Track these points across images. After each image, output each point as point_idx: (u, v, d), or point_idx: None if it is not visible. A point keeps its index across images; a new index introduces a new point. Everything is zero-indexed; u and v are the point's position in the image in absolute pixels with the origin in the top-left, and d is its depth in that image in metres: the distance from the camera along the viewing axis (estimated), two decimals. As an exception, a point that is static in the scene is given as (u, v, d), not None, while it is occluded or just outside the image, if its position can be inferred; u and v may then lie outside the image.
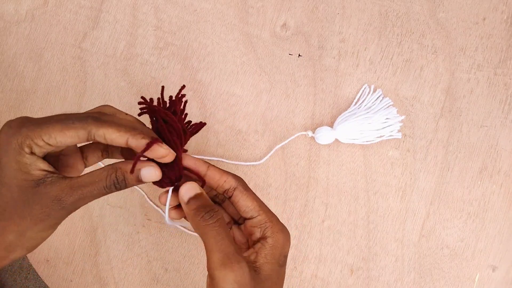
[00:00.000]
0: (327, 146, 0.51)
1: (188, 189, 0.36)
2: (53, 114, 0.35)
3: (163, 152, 0.34)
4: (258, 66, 0.52)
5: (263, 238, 0.36)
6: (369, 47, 0.52)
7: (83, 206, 0.36)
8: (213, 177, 0.37)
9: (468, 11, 0.52)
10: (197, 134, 0.41)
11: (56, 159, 0.38)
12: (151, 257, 0.52)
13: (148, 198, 0.52)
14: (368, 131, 0.50)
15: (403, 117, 0.51)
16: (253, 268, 0.35)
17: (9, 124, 0.33)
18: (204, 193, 0.36)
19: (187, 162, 0.38)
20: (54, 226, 0.35)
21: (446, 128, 0.51)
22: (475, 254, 0.51)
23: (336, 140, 0.50)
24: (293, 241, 0.51)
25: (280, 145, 0.51)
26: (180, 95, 0.39)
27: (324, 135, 0.50)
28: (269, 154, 0.51)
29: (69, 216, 0.49)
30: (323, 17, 0.52)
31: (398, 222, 0.51)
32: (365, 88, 0.52)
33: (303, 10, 0.52)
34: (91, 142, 0.37)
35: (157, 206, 0.52)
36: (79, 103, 0.53)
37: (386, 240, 0.51)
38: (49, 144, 0.33)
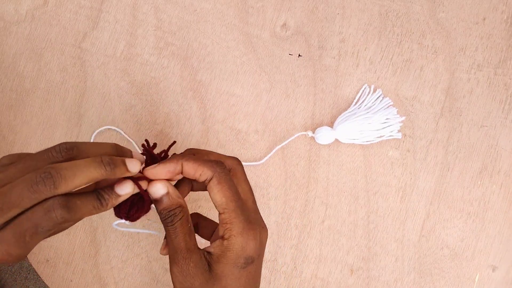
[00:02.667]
0: (327, 146, 0.51)
1: (154, 192, 0.36)
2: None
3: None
4: (258, 66, 0.52)
5: (222, 237, 0.36)
6: (369, 47, 0.52)
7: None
8: (189, 173, 0.36)
9: (468, 11, 0.52)
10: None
11: None
12: (151, 257, 0.52)
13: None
14: (368, 131, 0.50)
15: (403, 117, 0.51)
16: (208, 263, 0.36)
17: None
18: (171, 190, 0.36)
19: (155, 174, 0.37)
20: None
21: (446, 128, 0.51)
22: (475, 254, 0.51)
23: (336, 140, 0.50)
24: (293, 241, 0.51)
25: (280, 145, 0.51)
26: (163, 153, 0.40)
27: (324, 135, 0.50)
28: (270, 155, 0.51)
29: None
30: (323, 17, 0.52)
31: (398, 222, 0.51)
32: (365, 88, 0.52)
33: (303, 10, 0.52)
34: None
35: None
36: (79, 103, 0.53)
37: (386, 240, 0.51)
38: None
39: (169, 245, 0.36)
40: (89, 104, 0.52)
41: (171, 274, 0.36)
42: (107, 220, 0.52)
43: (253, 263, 0.36)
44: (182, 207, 0.36)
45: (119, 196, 0.35)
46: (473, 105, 0.51)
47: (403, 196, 0.51)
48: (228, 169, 0.37)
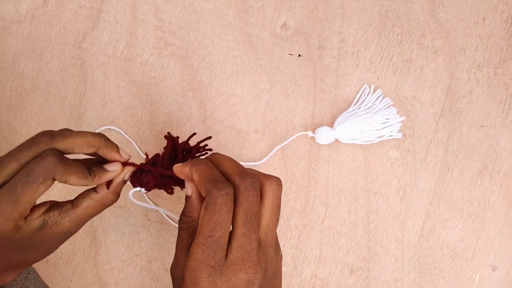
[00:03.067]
0: (327, 146, 0.51)
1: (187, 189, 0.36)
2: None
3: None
4: (258, 66, 0.52)
5: None
6: (369, 47, 0.52)
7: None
8: (195, 181, 0.37)
9: (468, 11, 0.52)
10: (197, 134, 0.42)
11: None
12: (151, 257, 0.52)
13: (148, 198, 0.52)
14: (368, 131, 0.50)
15: (403, 117, 0.51)
16: None
17: None
18: (193, 196, 0.36)
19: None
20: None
21: (446, 128, 0.51)
22: (475, 254, 0.51)
23: (336, 140, 0.50)
24: (293, 241, 0.51)
25: (280, 145, 0.51)
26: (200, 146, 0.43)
27: (324, 135, 0.50)
28: (270, 155, 0.51)
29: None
30: (323, 17, 0.52)
31: (398, 222, 0.51)
32: (365, 88, 0.52)
33: (303, 10, 0.52)
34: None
35: (157, 206, 0.52)
36: (79, 103, 0.53)
37: (386, 240, 0.51)
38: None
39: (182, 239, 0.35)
40: (89, 104, 0.52)
41: (192, 259, 0.33)
42: (107, 220, 0.52)
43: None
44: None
45: (107, 171, 0.36)
46: (473, 105, 0.51)
47: (403, 196, 0.51)
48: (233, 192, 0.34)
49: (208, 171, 0.34)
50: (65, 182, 0.34)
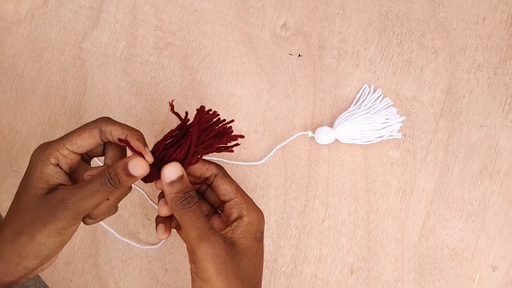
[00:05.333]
0: (327, 146, 0.51)
1: (171, 172, 0.38)
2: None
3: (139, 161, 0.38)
4: (258, 66, 0.52)
5: (239, 217, 0.40)
6: (369, 47, 0.52)
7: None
8: (197, 166, 0.41)
9: (468, 11, 0.52)
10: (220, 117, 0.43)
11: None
12: (151, 257, 0.52)
13: (148, 197, 0.52)
14: (368, 131, 0.50)
15: (403, 117, 0.51)
16: (230, 242, 0.38)
17: (41, 145, 0.38)
18: (185, 175, 0.38)
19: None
20: (61, 232, 0.37)
21: (446, 128, 0.51)
22: (475, 254, 0.51)
23: (336, 140, 0.50)
24: (293, 241, 0.51)
25: (280, 145, 0.51)
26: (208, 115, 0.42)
27: (324, 135, 0.50)
28: (269, 155, 0.51)
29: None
30: (323, 17, 0.52)
31: (398, 222, 0.51)
32: (365, 88, 0.52)
33: (303, 10, 0.52)
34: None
35: (157, 205, 0.52)
36: (79, 103, 0.53)
37: (386, 240, 0.51)
38: (73, 151, 0.37)
39: (190, 227, 0.37)
40: (89, 104, 0.52)
41: (197, 253, 0.36)
42: (107, 220, 0.52)
43: (262, 239, 0.40)
44: (194, 191, 0.38)
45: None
46: (473, 105, 0.51)
47: (403, 196, 0.51)
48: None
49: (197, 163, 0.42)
50: (110, 134, 0.38)
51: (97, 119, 0.38)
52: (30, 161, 0.37)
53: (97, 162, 0.51)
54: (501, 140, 0.51)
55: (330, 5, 0.52)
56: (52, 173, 0.37)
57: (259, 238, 0.40)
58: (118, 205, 0.52)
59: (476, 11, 0.52)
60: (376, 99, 0.51)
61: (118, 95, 0.52)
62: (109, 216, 0.41)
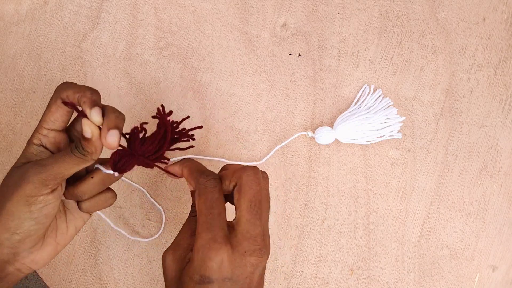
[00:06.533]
0: (327, 146, 0.51)
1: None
2: None
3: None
4: (258, 66, 0.52)
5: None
6: (369, 47, 0.52)
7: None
8: (184, 176, 0.40)
9: (468, 11, 0.52)
10: (197, 134, 0.41)
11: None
12: (151, 257, 0.52)
13: (149, 195, 0.52)
14: (368, 131, 0.50)
15: (403, 117, 0.51)
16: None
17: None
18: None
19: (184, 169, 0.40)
20: (30, 201, 0.35)
21: (446, 128, 0.51)
22: (475, 254, 0.51)
23: (336, 140, 0.50)
24: (293, 241, 0.51)
25: (280, 145, 0.51)
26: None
27: (324, 135, 0.50)
28: (269, 155, 0.51)
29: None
30: (323, 17, 0.52)
31: (398, 222, 0.51)
32: (365, 88, 0.52)
33: (303, 10, 0.52)
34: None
35: (158, 204, 0.52)
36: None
37: (386, 240, 0.51)
38: (51, 129, 0.36)
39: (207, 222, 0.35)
40: (89, 104, 0.52)
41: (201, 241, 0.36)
42: (114, 222, 0.52)
43: (211, 284, 0.33)
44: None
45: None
46: (473, 105, 0.51)
47: (403, 196, 0.51)
48: (234, 182, 0.37)
49: (195, 165, 0.39)
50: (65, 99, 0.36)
51: (56, 88, 0.36)
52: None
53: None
54: (501, 140, 0.51)
55: (330, 5, 0.52)
56: (36, 152, 0.36)
57: (197, 280, 0.33)
58: (119, 205, 0.52)
59: (476, 11, 0.52)
60: (376, 99, 0.51)
61: (118, 95, 0.52)
62: (105, 206, 0.40)
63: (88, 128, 0.34)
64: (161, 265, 0.51)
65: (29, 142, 0.37)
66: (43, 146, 0.37)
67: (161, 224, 0.52)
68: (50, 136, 0.37)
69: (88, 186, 0.37)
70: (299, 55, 0.52)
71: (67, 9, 0.53)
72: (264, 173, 0.38)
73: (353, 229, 0.51)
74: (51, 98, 0.36)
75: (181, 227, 0.38)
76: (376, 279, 0.51)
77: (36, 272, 0.52)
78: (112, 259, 0.52)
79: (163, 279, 0.51)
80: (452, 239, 0.51)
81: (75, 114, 0.37)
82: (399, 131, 0.51)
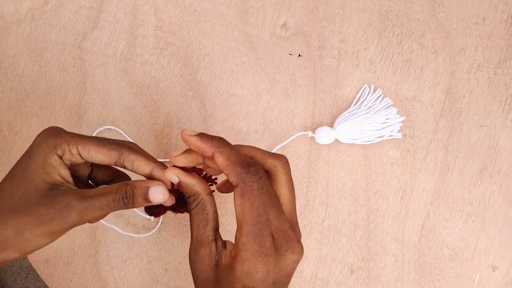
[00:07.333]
0: (327, 146, 0.51)
1: (169, 178, 0.35)
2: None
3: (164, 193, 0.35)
4: (258, 66, 0.52)
5: (232, 252, 0.34)
6: (369, 47, 0.52)
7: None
8: (218, 165, 0.34)
9: (468, 11, 0.52)
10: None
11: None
12: (151, 257, 0.52)
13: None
14: (368, 131, 0.50)
15: (403, 117, 0.51)
16: (217, 259, 0.35)
17: (52, 128, 0.36)
18: (182, 178, 0.35)
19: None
20: (53, 235, 0.35)
21: (446, 128, 0.51)
22: (475, 254, 0.51)
23: (336, 140, 0.50)
24: (293, 241, 0.51)
25: (280, 145, 0.51)
26: None
27: (324, 135, 0.50)
28: (269, 154, 0.51)
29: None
30: (323, 17, 0.52)
31: (398, 222, 0.51)
32: (365, 88, 0.52)
33: (303, 10, 0.52)
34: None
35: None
36: (79, 103, 0.53)
37: (386, 240, 0.51)
38: (81, 156, 0.35)
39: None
40: (89, 104, 0.52)
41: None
42: (107, 220, 0.52)
43: None
44: (197, 195, 0.35)
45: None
46: (473, 105, 0.51)
47: (403, 196, 0.51)
48: (265, 173, 0.33)
49: (235, 155, 0.33)
50: (131, 163, 0.36)
51: (123, 143, 0.36)
52: (34, 141, 0.35)
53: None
54: (501, 140, 0.51)
55: (330, 5, 0.52)
56: (55, 164, 0.34)
57: None
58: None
59: (476, 11, 0.52)
60: (376, 99, 0.51)
61: (118, 95, 0.52)
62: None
63: (162, 196, 0.35)
64: (161, 265, 0.51)
65: (52, 148, 0.34)
66: (62, 159, 0.35)
67: (162, 224, 0.51)
68: (73, 158, 0.35)
69: (101, 218, 0.37)
70: (299, 55, 0.52)
71: (67, 9, 0.53)
72: (286, 158, 0.36)
73: (353, 229, 0.51)
74: (110, 144, 0.35)
75: (190, 222, 0.35)
76: (376, 279, 0.51)
77: (36, 272, 0.52)
78: (112, 259, 0.52)
79: (163, 279, 0.51)
80: (452, 239, 0.51)
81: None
82: (399, 131, 0.51)
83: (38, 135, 0.35)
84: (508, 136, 0.51)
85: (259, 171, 0.32)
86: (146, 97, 0.52)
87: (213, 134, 0.51)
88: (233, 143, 0.51)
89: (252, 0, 0.53)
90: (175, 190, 0.37)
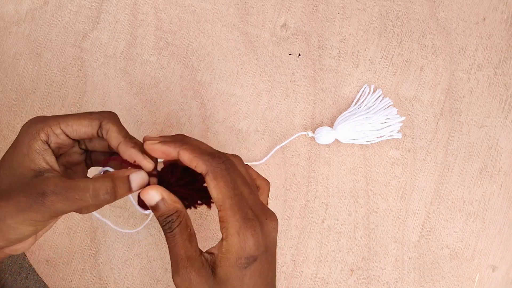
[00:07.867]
0: (327, 146, 0.51)
1: (149, 199, 0.35)
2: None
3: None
4: (258, 66, 0.52)
5: (223, 238, 0.34)
6: (369, 47, 0.52)
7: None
8: (185, 162, 0.35)
9: (468, 11, 0.52)
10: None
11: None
12: (151, 257, 0.52)
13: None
14: (368, 131, 0.50)
15: (403, 117, 0.51)
16: (212, 267, 0.34)
17: (36, 116, 0.35)
18: (165, 196, 0.35)
19: (156, 151, 0.36)
20: (36, 223, 0.34)
21: (446, 128, 0.51)
22: (475, 254, 0.51)
23: (336, 140, 0.50)
24: (293, 241, 0.51)
25: (280, 145, 0.51)
26: None
27: (324, 135, 0.50)
28: (269, 155, 0.51)
29: (69, 216, 0.49)
30: (323, 17, 0.52)
31: (398, 222, 0.51)
32: (365, 88, 0.52)
33: (303, 10, 0.52)
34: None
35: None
36: (79, 103, 0.53)
37: (386, 240, 0.51)
38: (66, 134, 0.35)
39: (170, 253, 0.35)
40: (89, 104, 0.52)
41: (174, 283, 0.34)
42: (101, 213, 0.52)
43: (256, 261, 0.34)
44: (180, 212, 0.35)
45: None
46: (473, 105, 0.51)
47: (403, 196, 0.51)
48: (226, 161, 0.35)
49: (199, 148, 0.35)
50: (106, 132, 0.35)
51: (102, 112, 0.36)
52: (19, 131, 0.35)
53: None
54: (501, 140, 0.51)
55: (330, 5, 0.52)
56: (39, 150, 0.34)
57: (242, 265, 0.33)
58: (118, 205, 0.52)
59: (476, 11, 0.52)
60: (376, 99, 0.51)
61: (118, 95, 0.52)
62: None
63: (142, 180, 0.35)
64: (161, 265, 0.51)
65: (35, 134, 0.34)
66: (48, 144, 0.34)
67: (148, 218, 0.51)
68: (59, 138, 0.35)
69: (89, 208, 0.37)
70: (299, 55, 0.52)
71: (67, 9, 0.53)
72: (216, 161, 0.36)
73: (353, 229, 0.51)
74: (91, 114, 0.35)
75: (172, 244, 0.35)
76: (376, 279, 0.51)
77: (36, 272, 0.52)
78: (112, 259, 0.52)
79: (163, 279, 0.51)
80: (452, 239, 0.51)
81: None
82: (399, 131, 0.51)
83: (23, 125, 0.35)
84: (508, 136, 0.51)
85: (223, 156, 0.35)
86: (146, 97, 0.52)
87: (213, 134, 0.52)
88: (233, 143, 0.52)
89: (252, 0, 0.53)
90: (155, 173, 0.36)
